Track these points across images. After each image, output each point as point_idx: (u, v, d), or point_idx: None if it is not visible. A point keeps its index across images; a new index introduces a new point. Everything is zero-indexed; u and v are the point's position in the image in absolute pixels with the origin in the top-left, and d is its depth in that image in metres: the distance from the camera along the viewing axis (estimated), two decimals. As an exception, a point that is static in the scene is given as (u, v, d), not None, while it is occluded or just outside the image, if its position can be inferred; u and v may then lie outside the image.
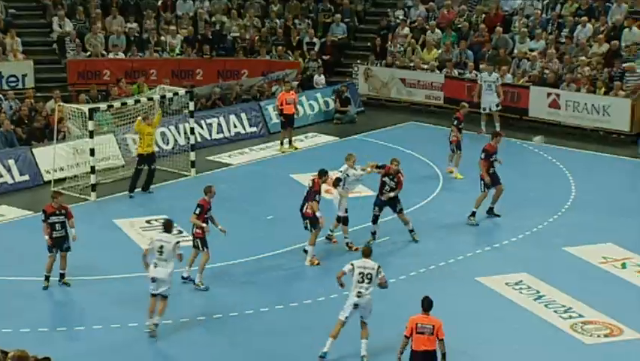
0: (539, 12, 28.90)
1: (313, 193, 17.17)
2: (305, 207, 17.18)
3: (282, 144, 25.06)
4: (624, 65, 25.49)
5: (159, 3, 31.04)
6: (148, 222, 19.55)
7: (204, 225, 16.16)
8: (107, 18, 29.53)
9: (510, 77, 26.98)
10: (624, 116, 24.71)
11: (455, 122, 22.07)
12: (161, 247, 14.48)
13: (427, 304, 12.42)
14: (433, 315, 12.35)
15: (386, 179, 17.93)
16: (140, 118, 21.50)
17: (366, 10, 32.85)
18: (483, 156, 19.16)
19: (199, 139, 24.44)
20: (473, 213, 19.13)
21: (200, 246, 16.28)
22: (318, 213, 17.05)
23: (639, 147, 24.04)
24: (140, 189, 21.42)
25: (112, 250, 17.83)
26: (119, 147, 23.24)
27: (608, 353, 13.97)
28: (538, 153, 24.28)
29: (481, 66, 26.90)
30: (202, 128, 25.17)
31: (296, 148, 25.14)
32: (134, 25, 29.57)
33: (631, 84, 25.09)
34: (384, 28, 30.62)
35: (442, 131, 25.45)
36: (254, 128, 26.31)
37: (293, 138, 25.25)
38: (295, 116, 25.34)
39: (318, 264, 17.24)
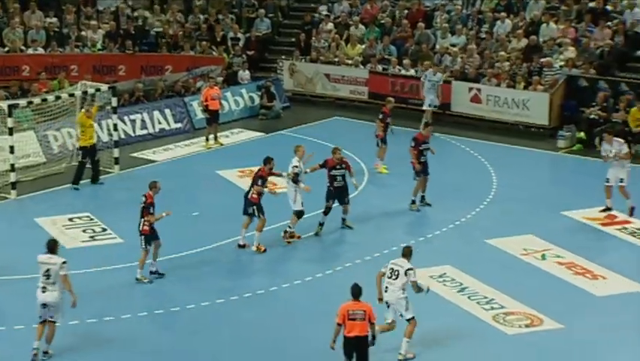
0: (460, 8, 29.36)
1: (257, 178, 17.38)
2: (250, 193, 17.35)
3: (207, 140, 24.94)
4: (542, 59, 26.08)
5: (80, -3, 30.59)
6: (70, 220, 19.26)
7: (164, 213, 16.19)
8: (26, 13, 28.92)
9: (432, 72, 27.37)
10: (543, 111, 25.28)
11: (381, 117, 22.33)
12: (48, 270, 13.47)
13: (356, 291, 12.69)
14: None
15: (334, 171, 18.16)
16: (83, 110, 21.37)
17: (290, 6, 32.92)
18: (413, 144, 19.56)
19: (122, 135, 24.16)
20: (413, 202, 19.62)
21: (143, 243, 16.21)
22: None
23: (558, 140, 24.63)
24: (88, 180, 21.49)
25: (33, 249, 17.37)
26: (40, 144, 22.82)
27: (529, 342, 14.29)
28: (460, 146, 24.67)
29: (407, 63, 27.17)
30: (125, 124, 24.88)
31: (221, 144, 25.05)
32: (54, 19, 29.02)
33: (549, 79, 25.68)
34: (308, 24, 30.72)
35: (367, 126, 25.72)
36: (178, 125, 26.13)
37: (218, 134, 25.16)
38: (220, 111, 25.28)
39: (264, 251, 17.40)
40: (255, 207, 17.31)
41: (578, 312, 15.24)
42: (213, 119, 24.90)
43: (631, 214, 19.07)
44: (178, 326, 14.91)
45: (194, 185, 21.90)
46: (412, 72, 27.55)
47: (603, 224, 19.08)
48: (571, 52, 26.18)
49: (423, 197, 19.83)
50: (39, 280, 13.54)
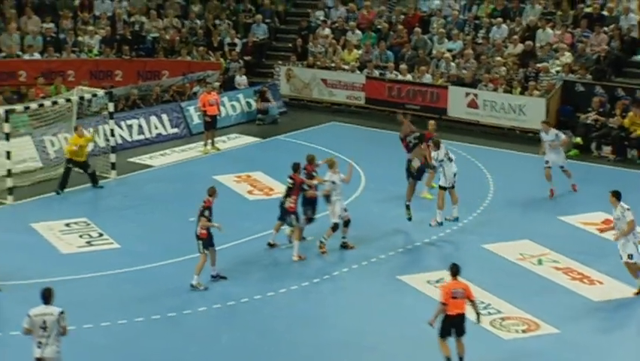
0: (457, 13, 29.41)
1: (297, 187, 17.51)
2: (287, 202, 17.53)
3: (205, 145, 24.97)
4: (538, 65, 26.14)
5: (76, 3, 30.60)
6: (67, 225, 19.25)
7: (216, 224, 16.11)
8: (22, 18, 28.96)
9: (429, 77, 27.42)
10: (539, 116, 25.26)
11: (427, 142, 20.32)
12: (44, 321, 11.96)
13: (455, 270, 13.26)
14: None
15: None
16: (76, 134, 21.54)
17: (287, 11, 32.95)
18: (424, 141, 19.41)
19: (119, 141, 24.20)
20: (407, 207, 19.20)
21: (200, 248, 16.17)
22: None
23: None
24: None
25: (30, 255, 17.51)
26: (37, 150, 22.83)
27: (526, 348, 14.30)
28: (456, 152, 24.62)
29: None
30: (122, 129, 24.91)
31: (218, 149, 25.07)
32: (51, 25, 29.07)
33: (545, 84, 25.74)
34: (305, 29, 30.77)
35: (364, 131, 25.82)
36: (175, 130, 26.16)
37: (215, 139, 25.18)
38: (218, 117, 25.32)
39: (304, 258, 17.39)
40: (293, 215, 17.51)
41: (575, 317, 15.25)
42: (211, 124, 24.92)
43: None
44: (175, 331, 14.87)
45: (191, 190, 21.78)
46: (408, 77, 27.60)
47: (600, 229, 18.96)
48: (567, 57, 26.25)
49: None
50: (34, 335, 12.04)
